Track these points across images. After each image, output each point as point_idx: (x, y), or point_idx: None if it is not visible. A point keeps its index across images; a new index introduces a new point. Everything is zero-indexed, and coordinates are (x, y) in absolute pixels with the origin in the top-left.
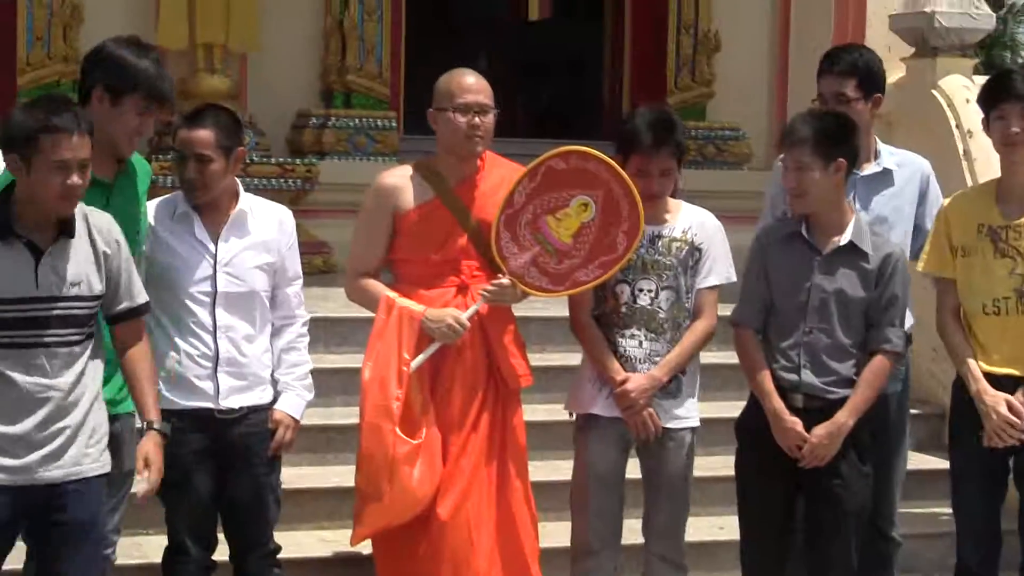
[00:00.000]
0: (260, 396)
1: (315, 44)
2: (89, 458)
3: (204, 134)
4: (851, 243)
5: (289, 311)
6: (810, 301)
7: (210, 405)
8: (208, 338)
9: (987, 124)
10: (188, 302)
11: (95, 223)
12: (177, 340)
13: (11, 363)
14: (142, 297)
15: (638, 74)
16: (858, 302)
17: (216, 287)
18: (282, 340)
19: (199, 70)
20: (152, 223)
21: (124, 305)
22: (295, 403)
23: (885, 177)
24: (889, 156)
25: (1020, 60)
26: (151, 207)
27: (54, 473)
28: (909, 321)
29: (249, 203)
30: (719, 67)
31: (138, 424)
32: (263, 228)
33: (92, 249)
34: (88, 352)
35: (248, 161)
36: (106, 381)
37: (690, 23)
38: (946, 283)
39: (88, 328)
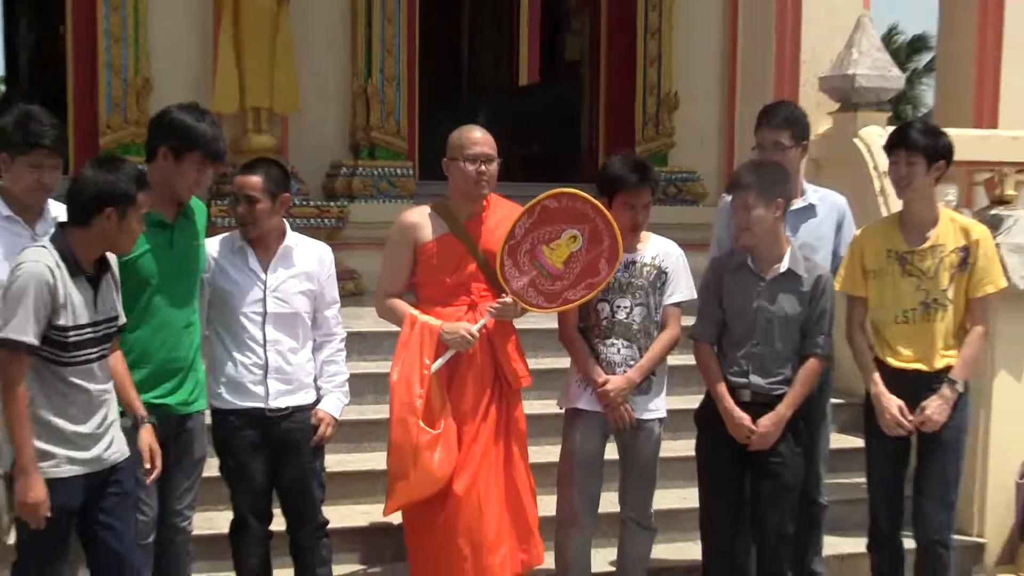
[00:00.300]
0: (304, 398)
1: (344, 107)
2: (122, 441)
3: (255, 179)
4: (789, 270)
5: (328, 330)
6: (757, 321)
7: (261, 405)
8: (259, 350)
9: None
10: (243, 320)
11: (110, 257)
12: (234, 352)
13: (83, 375)
14: (123, 317)
15: (612, 128)
16: (795, 318)
17: (266, 308)
18: (323, 354)
19: (249, 130)
20: (215, 255)
21: (121, 322)
22: (335, 404)
23: (809, 210)
24: (813, 193)
25: (919, 114)
26: (215, 242)
27: (112, 457)
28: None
29: (295, 240)
30: (678, 121)
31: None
32: (306, 261)
33: (113, 279)
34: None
35: (292, 204)
36: (172, 387)
37: (654, 86)
38: (857, 300)
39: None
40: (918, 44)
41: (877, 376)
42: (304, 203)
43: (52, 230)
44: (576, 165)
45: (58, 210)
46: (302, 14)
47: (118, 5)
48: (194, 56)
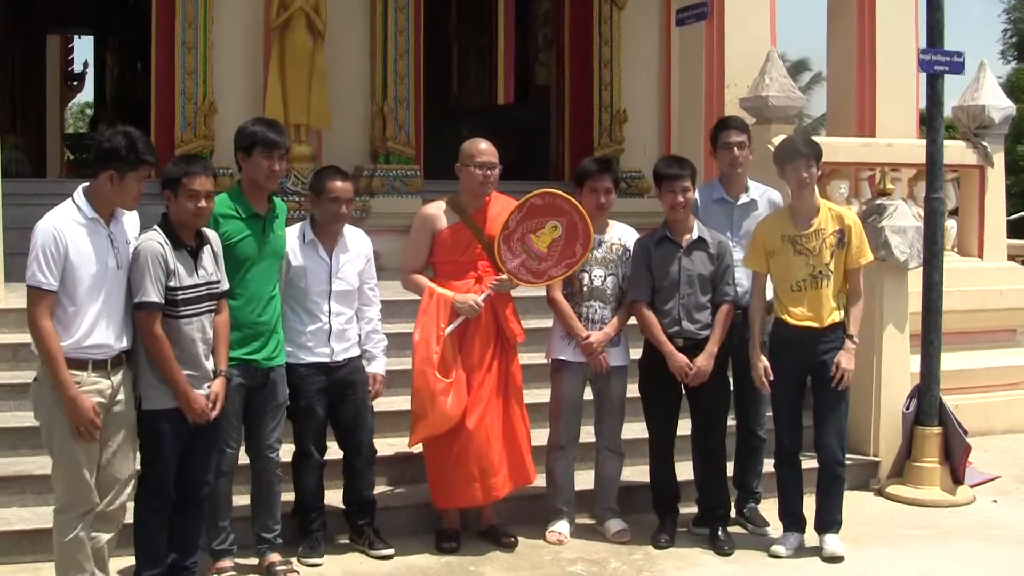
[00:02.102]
0: (354, 351)
1: (366, 123)
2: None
3: (350, 186)
4: (699, 237)
5: (368, 302)
6: (681, 278)
7: (326, 360)
8: (325, 319)
9: (781, 171)
10: (314, 296)
11: (211, 235)
12: (305, 320)
13: (193, 327)
14: (227, 283)
15: (574, 138)
16: (708, 274)
17: (331, 287)
18: (366, 321)
19: (292, 142)
20: (292, 245)
21: (222, 287)
22: (382, 365)
23: (752, 205)
24: (755, 189)
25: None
26: (292, 233)
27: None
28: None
29: (345, 230)
30: (627, 132)
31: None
32: (356, 246)
33: (213, 251)
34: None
35: None
36: (260, 345)
37: (607, 105)
38: (758, 274)
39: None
40: (800, 66)
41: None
42: (310, 205)
43: (123, 223)
44: (547, 168)
45: (126, 213)
46: (333, 51)
47: (191, 47)
48: (248, 84)
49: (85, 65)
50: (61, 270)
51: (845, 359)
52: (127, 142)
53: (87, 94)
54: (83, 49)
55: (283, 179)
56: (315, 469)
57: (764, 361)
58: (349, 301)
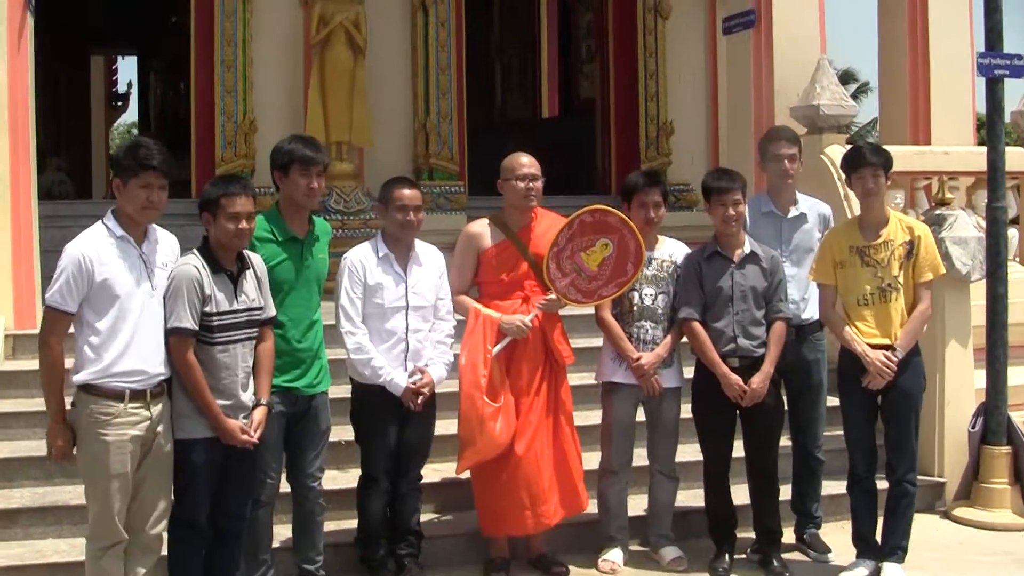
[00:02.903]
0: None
1: (408, 139)
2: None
3: (418, 193)
4: (751, 251)
5: (441, 316)
6: (734, 293)
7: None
8: (403, 337)
9: (848, 181)
10: (390, 313)
11: (254, 260)
12: (380, 339)
13: (228, 354)
14: (272, 310)
15: (620, 151)
16: (761, 289)
17: (408, 302)
18: (436, 335)
19: (333, 159)
20: (363, 261)
21: (266, 314)
22: (438, 373)
23: (801, 218)
24: (804, 202)
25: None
26: (362, 249)
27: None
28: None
29: (417, 244)
30: (674, 144)
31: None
32: (430, 260)
33: (256, 276)
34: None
35: (370, 217)
36: (301, 372)
37: (653, 116)
38: (827, 287)
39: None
40: (847, 76)
41: (856, 335)
42: (379, 217)
43: (158, 246)
44: (592, 182)
45: (161, 234)
46: (374, 67)
47: (231, 64)
48: (289, 101)
49: (129, 85)
50: (83, 294)
51: (875, 371)
52: (127, 148)
53: (132, 114)
54: (127, 69)
55: (325, 197)
56: (382, 496)
57: (878, 352)
58: (425, 317)
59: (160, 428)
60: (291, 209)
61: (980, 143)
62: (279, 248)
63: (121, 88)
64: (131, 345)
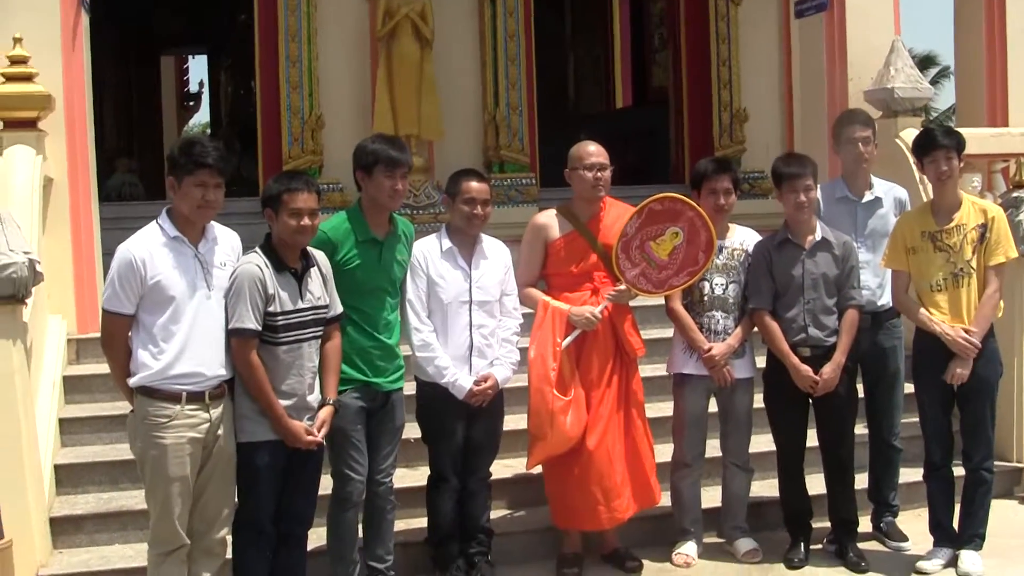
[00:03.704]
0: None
1: (478, 132)
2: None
3: (487, 187)
4: (823, 238)
5: (508, 314)
6: (805, 281)
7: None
8: (466, 333)
9: (920, 165)
10: (455, 308)
11: (319, 257)
12: (443, 335)
13: (294, 354)
14: (339, 308)
15: (693, 139)
16: (833, 277)
17: (472, 297)
18: (502, 332)
19: None
20: (426, 255)
21: (332, 312)
22: (503, 374)
23: (877, 203)
24: (879, 187)
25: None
26: (426, 242)
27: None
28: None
29: (482, 238)
30: (748, 131)
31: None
32: (496, 255)
33: (321, 273)
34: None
35: (440, 211)
36: (380, 368)
37: (727, 103)
38: (899, 273)
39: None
40: (927, 61)
41: (931, 316)
42: (446, 209)
43: (216, 245)
44: (666, 171)
45: (220, 233)
46: (442, 59)
47: (296, 60)
48: (356, 96)
49: (200, 85)
50: (139, 295)
51: (960, 365)
52: (182, 146)
53: (203, 114)
54: (198, 69)
55: None
56: (452, 494)
57: (957, 328)
58: (491, 312)
59: (221, 431)
60: (373, 209)
61: None
62: (358, 249)
63: (192, 88)
64: (187, 347)
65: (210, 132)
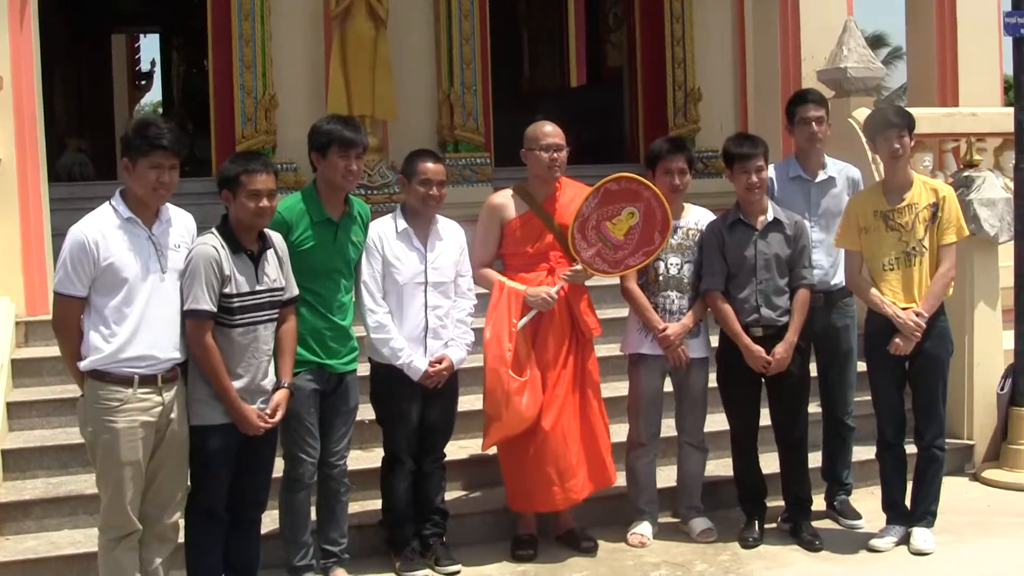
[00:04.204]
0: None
1: (432, 111)
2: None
3: (442, 168)
4: (775, 219)
5: (462, 295)
6: (757, 262)
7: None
8: (421, 314)
9: (872, 144)
10: (409, 289)
11: (275, 239)
12: (398, 317)
13: (249, 336)
14: (294, 290)
15: (648, 118)
16: (785, 257)
17: (427, 278)
18: (457, 313)
19: None
20: (382, 236)
21: (288, 295)
22: (457, 355)
23: (830, 182)
24: (832, 166)
25: (883, 96)
26: (381, 223)
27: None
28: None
29: (438, 219)
30: (702, 110)
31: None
32: (451, 236)
33: (277, 255)
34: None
35: (394, 191)
36: (333, 349)
37: (681, 83)
38: (852, 253)
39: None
40: (878, 41)
41: (883, 297)
42: (401, 190)
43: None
44: (622, 150)
45: (175, 214)
46: (396, 38)
47: (249, 39)
48: (309, 75)
49: (152, 64)
50: (91, 277)
51: (903, 340)
52: (136, 127)
53: (156, 94)
54: (150, 48)
55: None
56: (407, 475)
57: (908, 312)
58: (445, 294)
59: (174, 414)
60: (328, 190)
61: (1007, 105)
62: (313, 230)
63: (144, 67)
64: (139, 330)
65: (162, 112)
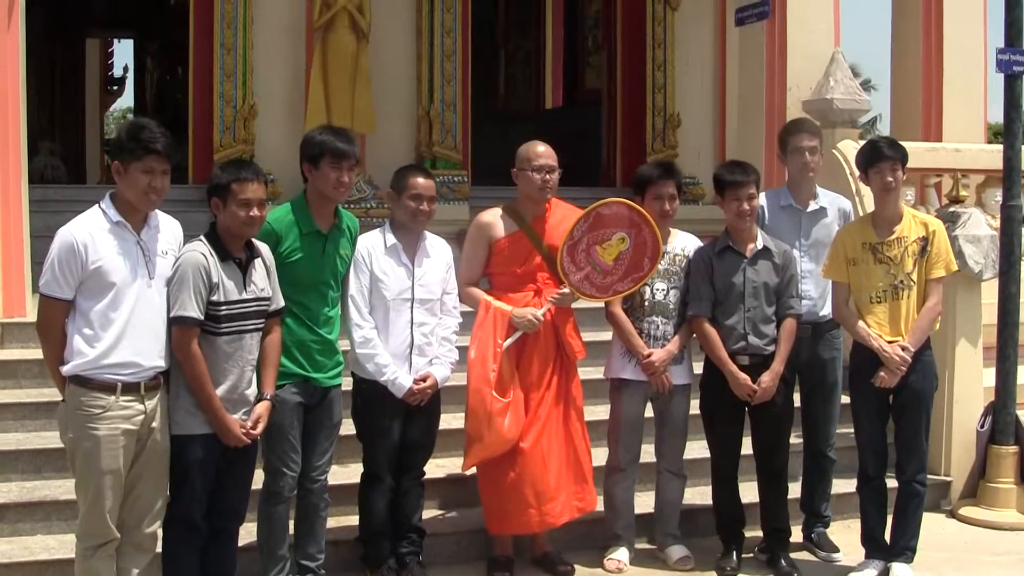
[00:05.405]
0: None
1: (411, 127)
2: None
3: (433, 183)
4: (764, 247)
5: (448, 312)
6: (746, 289)
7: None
8: (407, 331)
9: (864, 176)
10: (396, 305)
11: (263, 248)
12: (384, 333)
13: (234, 345)
14: (280, 301)
15: (626, 142)
16: (773, 285)
17: (414, 295)
18: (442, 330)
19: None
20: (370, 250)
21: (274, 305)
22: (442, 373)
23: (821, 212)
24: (824, 196)
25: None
26: (369, 237)
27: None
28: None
29: (427, 236)
30: (680, 136)
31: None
32: (438, 253)
33: (265, 265)
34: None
35: (371, 206)
36: (319, 363)
37: (660, 108)
38: (839, 285)
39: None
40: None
41: (869, 331)
42: (380, 205)
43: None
44: (597, 173)
45: (163, 220)
46: (377, 52)
47: (231, 47)
48: (290, 86)
49: (125, 69)
50: (78, 280)
51: (888, 373)
52: (129, 130)
53: (128, 99)
54: (123, 53)
55: None
56: (385, 492)
57: (895, 346)
58: (432, 311)
59: (156, 423)
60: (318, 202)
61: (990, 141)
62: (301, 242)
63: (117, 72)
64: (124, 336)
65: (134, 117)
